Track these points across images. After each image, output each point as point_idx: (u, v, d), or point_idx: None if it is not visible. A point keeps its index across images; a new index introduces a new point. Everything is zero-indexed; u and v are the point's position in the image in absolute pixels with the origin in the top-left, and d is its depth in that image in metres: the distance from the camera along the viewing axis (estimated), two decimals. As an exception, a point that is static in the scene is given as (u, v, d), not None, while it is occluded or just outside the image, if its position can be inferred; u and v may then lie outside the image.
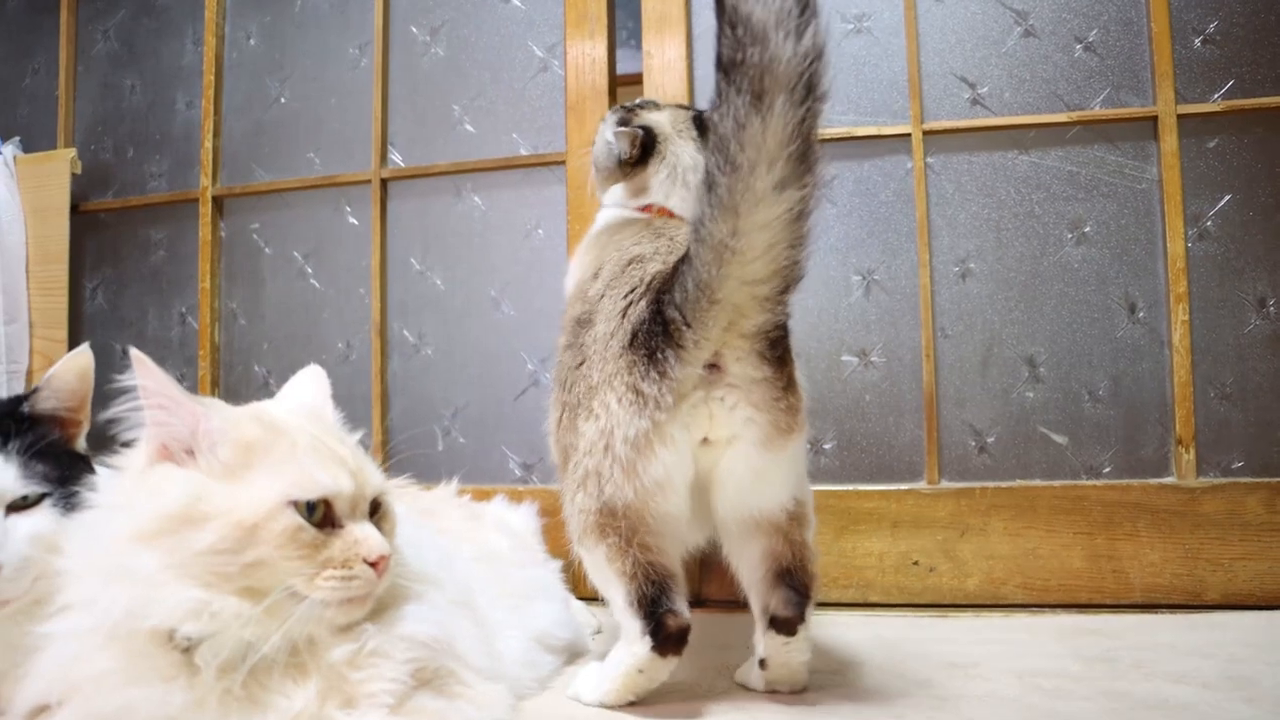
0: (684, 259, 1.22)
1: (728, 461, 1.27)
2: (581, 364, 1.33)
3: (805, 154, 1.12)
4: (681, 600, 1.27)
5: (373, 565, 1.01)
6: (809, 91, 1.09)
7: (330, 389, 1.26)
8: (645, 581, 1.25)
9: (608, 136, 1.72)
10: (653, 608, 1.24)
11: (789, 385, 1.27)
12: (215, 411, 1.02)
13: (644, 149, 1.71)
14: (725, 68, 1.11)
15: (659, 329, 1.23)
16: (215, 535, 0.93)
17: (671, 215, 1.64)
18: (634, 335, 1.25)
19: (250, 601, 0.93)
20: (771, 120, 1.09)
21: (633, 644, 1.27)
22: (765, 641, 1.33)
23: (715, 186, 1.14)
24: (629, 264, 1.38)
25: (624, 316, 1.29)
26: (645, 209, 1.67)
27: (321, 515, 1.00)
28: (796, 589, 1.30)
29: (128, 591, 0.91)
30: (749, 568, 1.35)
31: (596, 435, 1.26)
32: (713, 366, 1.24)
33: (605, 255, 1.49)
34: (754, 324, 1.22)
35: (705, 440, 1.27)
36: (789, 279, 1.20)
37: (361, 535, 1.02)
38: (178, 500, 0.94)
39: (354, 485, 1.04)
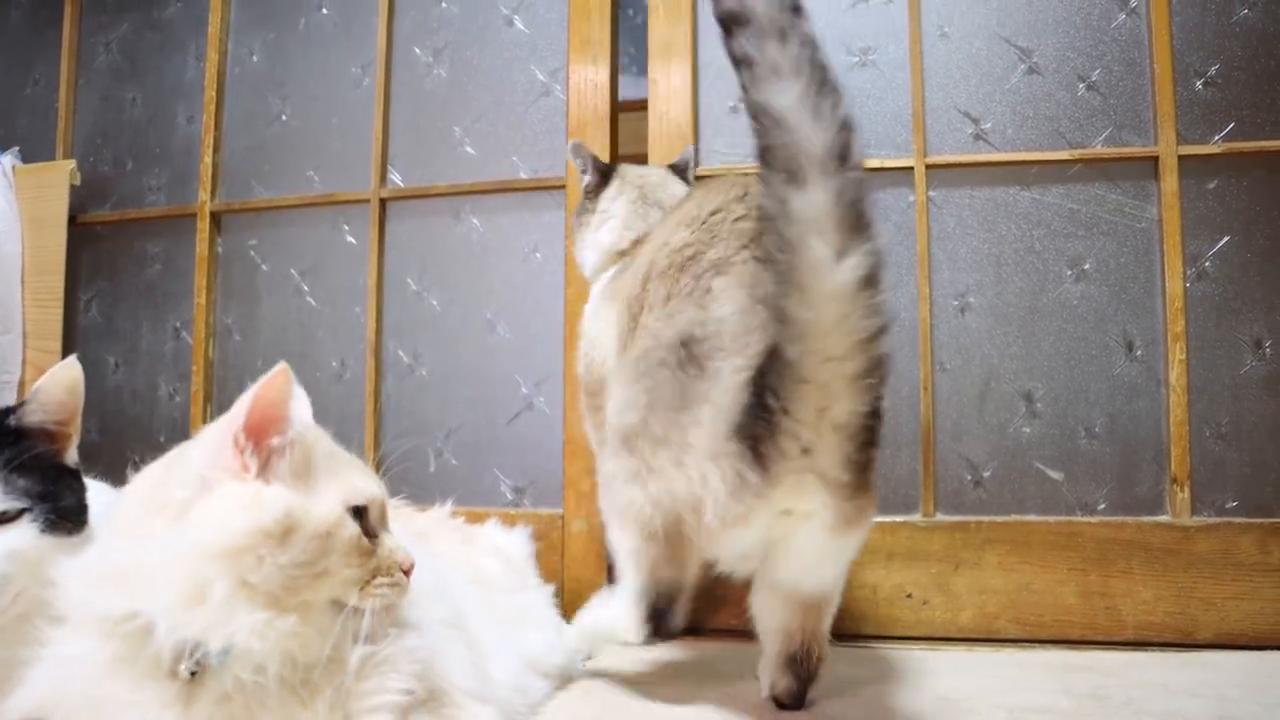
0: (776, 344, 1.24)
1: (800, 537, 1.33)
2: (676, 405, 1.34)
3: (856, 221, 1.15)
4: (680, 612, 1.41)
5: (405, 573, 1.02)
6: (843, 161, 1.14)
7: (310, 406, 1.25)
8: (659, 596, 1.38)
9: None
10: (655, 618, 1.38)
11: (863, 489, 1.30)
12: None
13: (602, 175, 1.86)
14: (761, 153, 1.18)
15: (762, 416, 1.24)
16: (299, 548, 0.92)
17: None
18: (739, 424, 1.26)
19: (300, 615, 0.92)
20: (809, 193, 1.14)
21: (629, 624, 1.40)
22: (768, 703, 1.45)
23: (777, 265, 1.18)
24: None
25: (736, 398, 1.29)
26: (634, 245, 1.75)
27: (362, 524, 1.00)
28: (801, 679, 1.41)
29: (199, 617, 0.88)
30: (764, 629, 1.45)
31: (685, 491, 1.30)
32: (805, 451, 1.25)
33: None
34: (845, 409, 1.22)
35: (789, 511, 1.30)
36: (868, 356, 1.19)
37: (393, 544, 1.02)
38: (273, 515, 0.92)
39: (383, 492, 1.05)
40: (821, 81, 1.14)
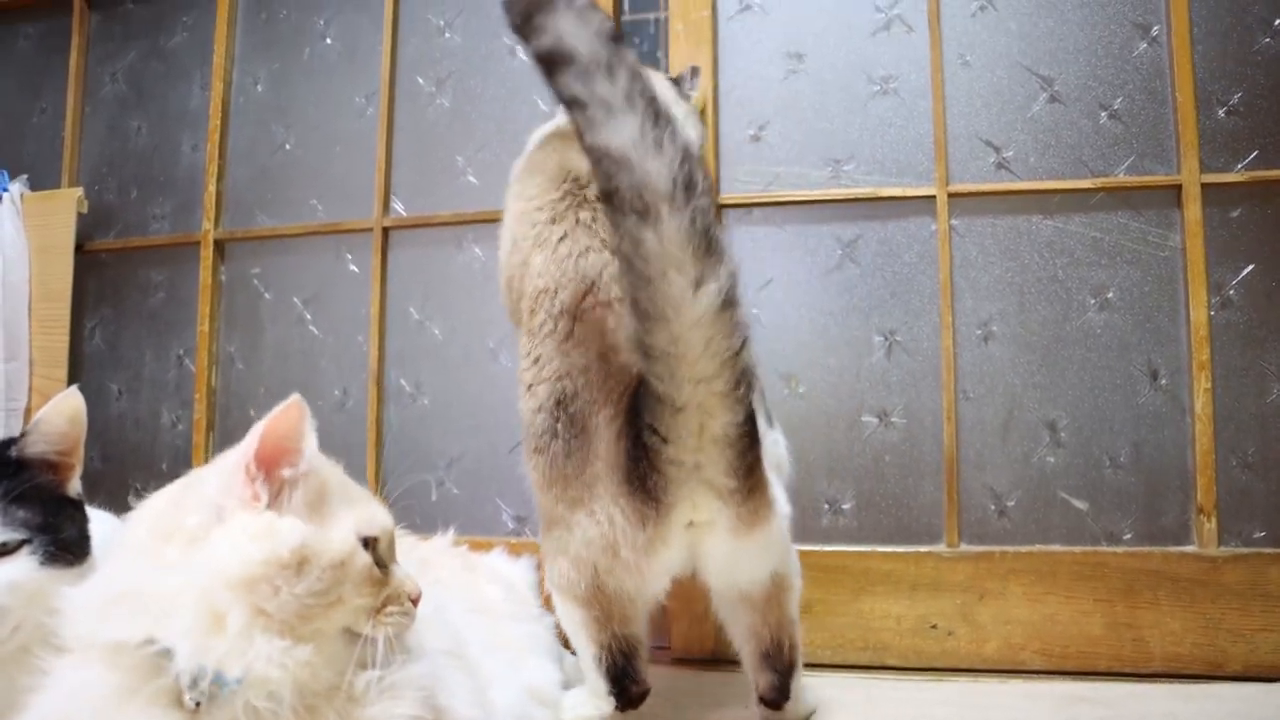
0: (643, 380, 1.28)
1: (707, 545, 1.38)
2: (578, 471, 1.39)
3: (709, 248, 1.19)
4: (644, 667, 1.43)
5: (414, 602, 1.00)
6: (689, 192, 1.17)
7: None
8: (616, 653, 1.40)
9: None
10: (620, 678, 1.41)
11: (754, 489, 1.35)
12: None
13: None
14: (606, 197, 1.21)
15: (642, 454, 1.30)
16: (314, 577, 0.90)
17: None
18: (627, 472, 1.32)
19: (315, 644, 0.90)
20: (662, 229, 1.17)
21: (599, 698, 1.43)
22: (759, 712, 1.51)
23: (638, 303, 1.22)
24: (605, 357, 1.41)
25: (617, 448, 1.34)
26: None
27: (373, 554, 0.98)
28: (779, 671, 1.47)
29: (217, 645, 0.86)
30: (737, 637, 1.51)
31: (598, 536, 1.35)
32: (692, 468, 1.31)
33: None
34: (722, 423, 1.27)
35: (691, 523, 1.35)
36: (735, 371, 1.25)
37: (402, 574, 1.01)
38: (289, 546, 0.90)
39: (392, 524, 1.03)
40: (655, 114, 1.17)
